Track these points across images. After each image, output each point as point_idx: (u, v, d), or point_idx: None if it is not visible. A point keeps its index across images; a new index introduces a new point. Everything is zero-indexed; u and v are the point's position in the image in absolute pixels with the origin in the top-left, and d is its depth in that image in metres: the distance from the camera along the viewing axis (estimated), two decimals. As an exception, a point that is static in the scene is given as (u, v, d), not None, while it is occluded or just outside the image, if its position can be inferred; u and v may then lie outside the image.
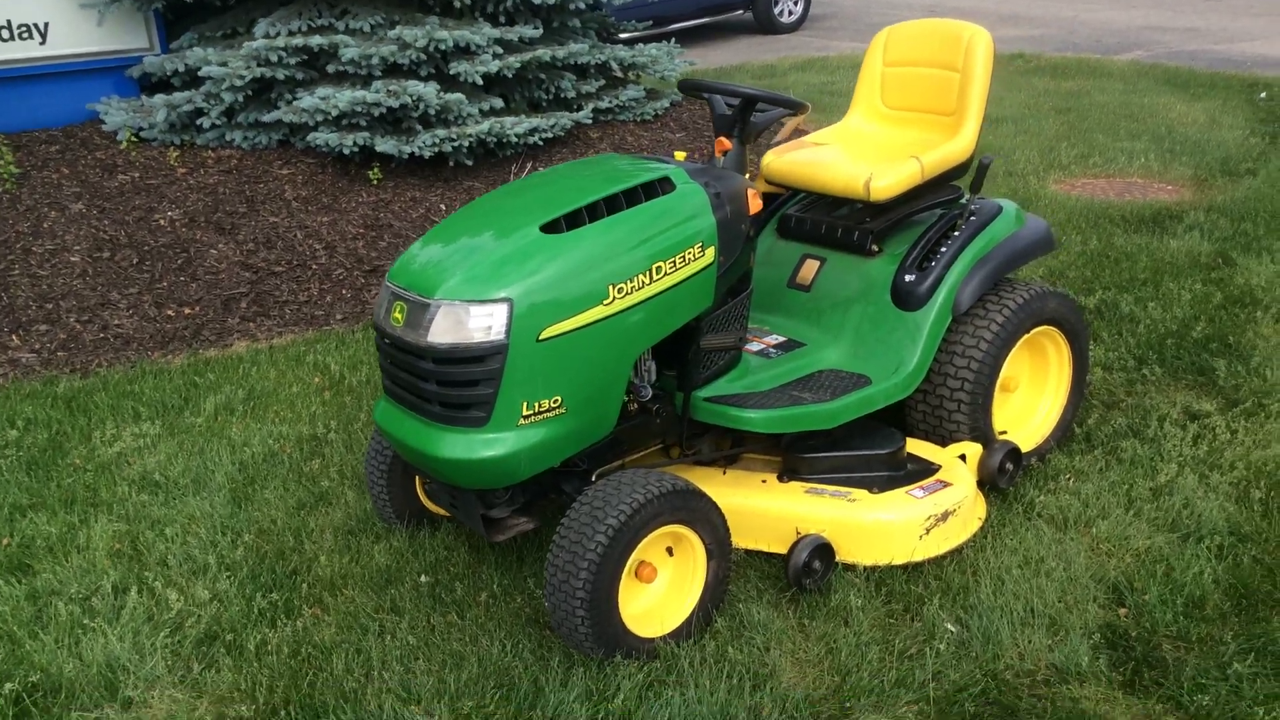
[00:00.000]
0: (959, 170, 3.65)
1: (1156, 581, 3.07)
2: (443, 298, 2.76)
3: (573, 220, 2.91)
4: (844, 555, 3.21)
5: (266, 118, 6.69)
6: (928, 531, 3.20)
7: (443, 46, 6.58)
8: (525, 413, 2.80)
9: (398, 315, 2.84)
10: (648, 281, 2.92)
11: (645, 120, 8.07)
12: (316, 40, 6.55)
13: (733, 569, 3.07)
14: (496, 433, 2.80)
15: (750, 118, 3.38)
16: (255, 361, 4.91)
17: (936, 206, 3.68)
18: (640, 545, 2.80)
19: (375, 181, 6.71)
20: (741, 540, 3.31)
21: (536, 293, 2.76)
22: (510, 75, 6.92)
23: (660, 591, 2.98)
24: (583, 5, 7.37)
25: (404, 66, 6.69)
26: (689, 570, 2.97)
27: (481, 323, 2.74)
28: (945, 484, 3.31)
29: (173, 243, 5.97)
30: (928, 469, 3.41)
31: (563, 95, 7.50)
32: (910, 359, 3.45)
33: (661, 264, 2.94)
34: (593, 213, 2.94)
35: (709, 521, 2.93)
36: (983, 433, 3.54)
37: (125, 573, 3.35)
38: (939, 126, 3.78)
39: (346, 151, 6.50)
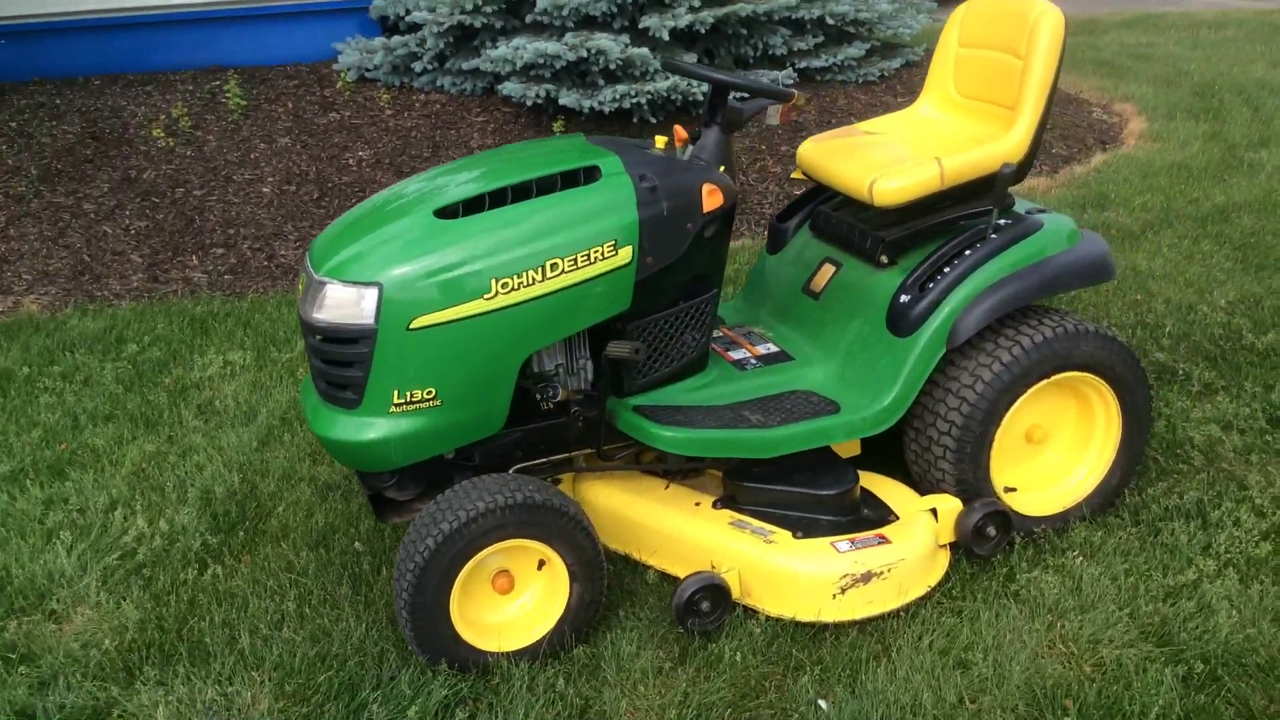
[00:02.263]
0: (997, 179, 3.10)
1: (1097, 706, 2.53)
2: (325, 276, 2.73)
3: (472, 207, 2.77)
4: (751, 600, 2.90)
5: (467, 65, 6.90)
6: (843, 591, 2.81)
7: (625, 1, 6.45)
8: (396, 400, 2.74)
9: (300, 288, 2.86)
10: (539, 278, 2.73)
11: (869, 82, 7.54)
12: (514, -10, 6.63)
13: (604, 596, 2.85)
14: (367, 417, 2.76)
15: (728, 104, 3.05)
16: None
17: (973, 217, 3.16)
18: (481, 554, 2.67)
19: (558, 133, 6.74)
20: (660, 562, 3.09)
21: (409, 280, 2.67)
22: (704, 30, 6.68)
23: (527, 606, 2.83)
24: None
25: (597, 18, 6.64)
26: (555, 589, 2.80)
27: (353, 305, 2.69)
28: (883, 540, 2.89)
29: (354, 181, 6.34)
30: (882, 518, 3.00)
31: (772, 52, 7.15)
32: (888, 392, 3.02)
33: (559, 260, 2.74)
34: (498, 199, 2.79)
35: (571, 541, 2.74)
36: (971, 486, 3.05)
37: (125, 492, 3.64)
38: (1004, 122, 3.23)
39: (530, 103, 6.57)
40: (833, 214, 3.45)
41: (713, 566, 2.92)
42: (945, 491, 3.08)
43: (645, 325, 2.99)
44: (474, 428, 2.84)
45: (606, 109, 6.48)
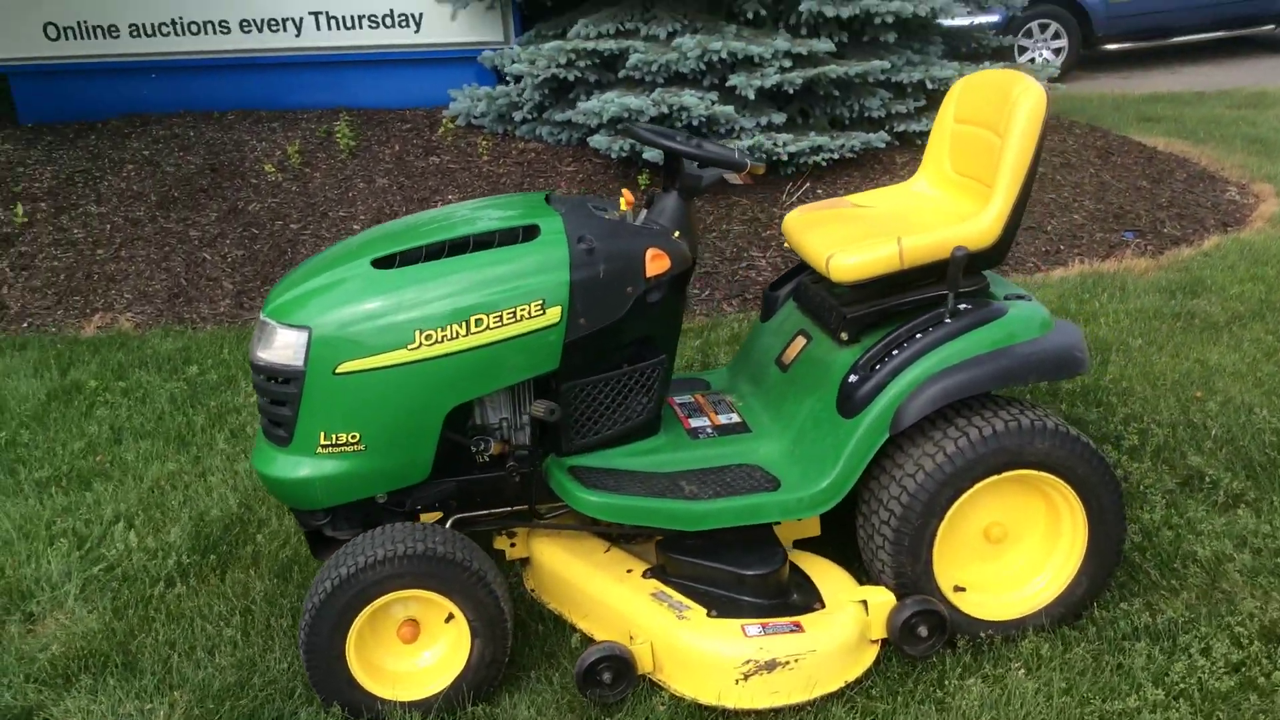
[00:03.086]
0: (950, 263, 2.96)
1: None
2: (266, 316, 2.86)
3: (409, 259, 2.85)
4: (661, 676, 2.84)
5: (561, 116, 7.07)
6: (745, 678, 2.72)
7: (717, 57, 6.49)
8: (323, 442, 2.83)
9: (255, 328, 3.00)
10: (463, 333, 2.78)
11: (973, 150, 7.31)
12: (608, 45, 6.77)
13: (508, 656, 2.84)
14: (296, 455, 2.86)
15: (684, 171, 3.04)
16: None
17: (932, 301, 3.03)
18: (379, 601, 2.72)
19: (643, 187, 6.82)
20: (587, 626, 3.07)
21: (336, 326, 2.76)
22: (793, 90, 6.65)
23: (430, 658, 2.86)
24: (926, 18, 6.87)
25: (686, 75, 6.70)
26: (458, 644, 2.82)
27: (285, 346, 2.80)
28: (796, 629, 2.78)
29: (438, 222, 6.56)
30: (807, 605, 2.89)
31: (869, 114, 7.05)
32: (828, 474, 2.93)
33: (483, 316, 2.78)
34: (434, 254, 2.85)
35: (472, 597, 2.75)
36: (909, 580, 2.91)
37: (134, 507, 3.86)
38: (986, 201, 3.10)
39: (615, 155, 6.68)
40: (812, 286, 3.38)
41: (630, 637, 2.87)
42: (884, 583, 2.94)
43: (584, 386, 2.99)
44: (398, 474, 2.90)
45: (688, 165, 6.50)
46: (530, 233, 2.88)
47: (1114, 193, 7.00)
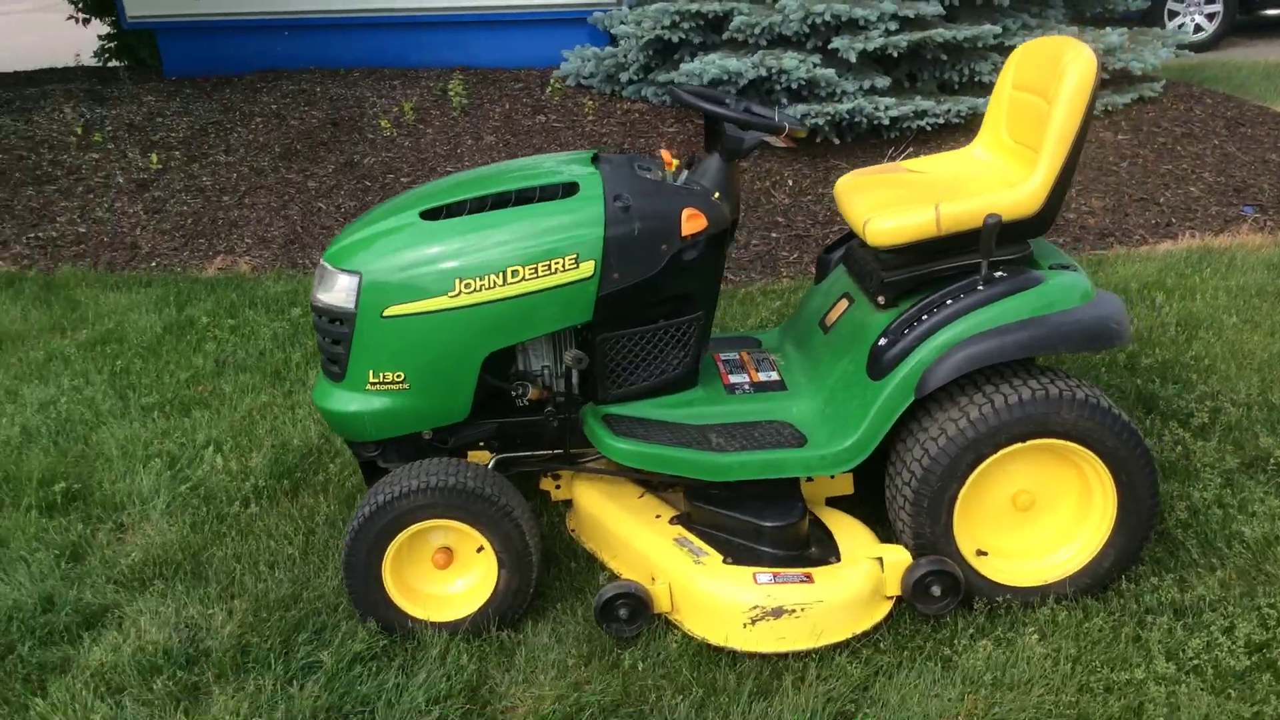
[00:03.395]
0: (1016, 227, 2.96)
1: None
2: (325, 261, 3.07)
3: (455, 211, 3.01)
4: (678, 616, 2.97)
5: (663, 77, 7.15)
6: (753, 622, 2.82)
7: (820, 19, 6.46)
8: (372, 379, 3.03)
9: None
10: (500, 283, 2.92)
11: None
12: (712, 6, 6.81)
13: (534, 587, 3.00)
14: (348, 391, 3.07)
15: (726, 133, 3.11)
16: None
17: (967, 268, 3.03)
18: (414, 528, 2.91)
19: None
20: (616, 566, 3.21)
21: (385, 272, 2.95)
22: (897, 54, 6.57)
23: (461, 584, 3.04)
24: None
25: (790, 38, 6.69)
26: (486, 573, 2.99)
27: (340, 289, 3.01)
28: (806, 579, 2.86)
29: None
30: (823, 559, 2.96)
31: (979, 79, 6.91)
32: (852, 434, 2.98)
33: (519, 268, 2.92)
34: (479, 206, 3.01)
35: (499, 529, 2.92)
36: (928, 541, 2.94)
37: (225, 433, 4.17)
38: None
39: (713, 116, 6.73)
40: (859, 250, 3.41)
41: (652, 578, 3.00)
42: (904, 543, 2.99)
43: (620, 338, 3.10)
44: (439, 413, 3.08)
45: (787, 127, 6.50)
46: (570, 189, 3.00)
47: (1238, 165, 6.69)
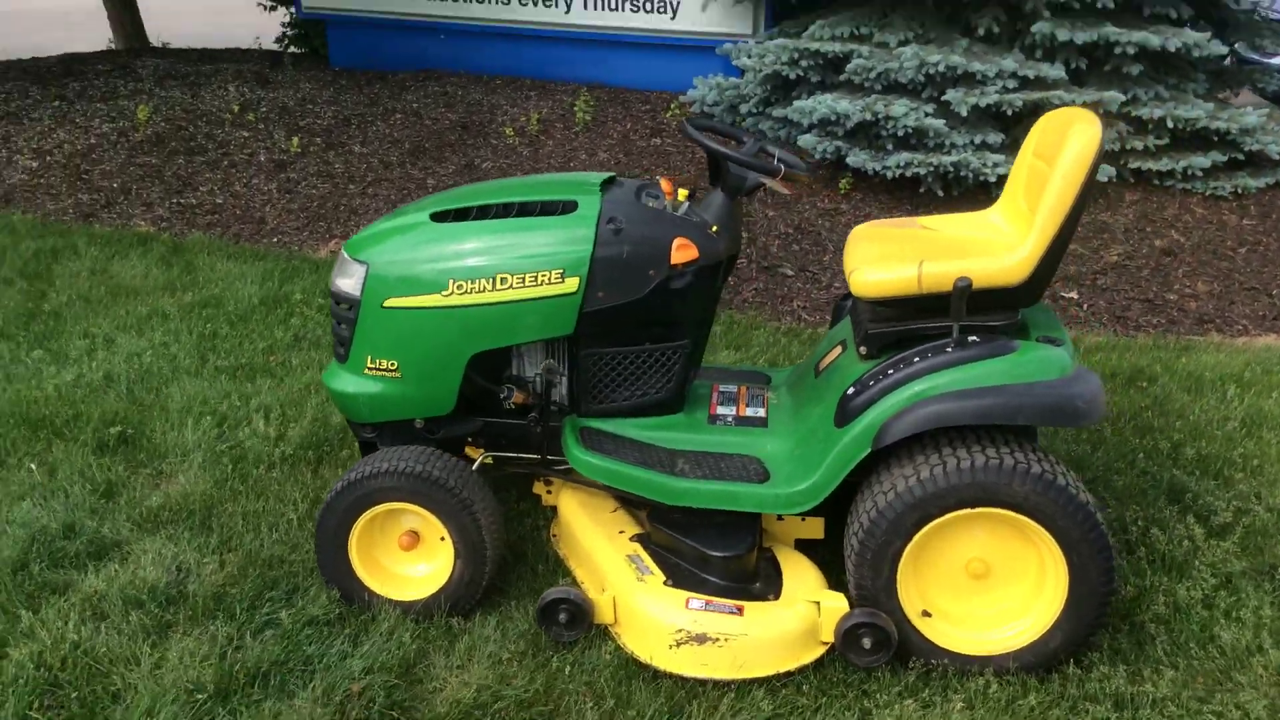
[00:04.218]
0: (1002, 295, 2.96)
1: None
2: (343, 250, 3.31)
3: (461, 215, 3.20)
4: (617, 629, 3.06)
5: (778, 113, 7.23)
6: (678, 645, 2.89)
7: (934, 70, 6.43)
8: (370, 364, 3.25)
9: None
10: (490, 288, 3.10)
11: (1218, 197, 6.80)
12: (831, 47, 6.86)
13: (487, 580, 3.14)
14: (349, 373, 3.30)
15: (729, 171, 3.20)
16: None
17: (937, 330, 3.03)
18: (380, 508, 3.09)
19: (842, 191, 6.87)
20: (577, 573, 3.32)
21: (388, 266, 3.17)
22: (1012, 112, 6.47)
23: (426, 569, 3.21)
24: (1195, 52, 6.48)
25: (905, 85, 6.68)
26: (445, 561, 3.15)
27: (350, 276, 3.24)
28: (736, 611, 2.91)
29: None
30: (763, 595, 3.01)
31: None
32: (810, 477, 3.02)
33: (507, 276, 3.09)
34: (483, 214, 3.19)
35: (456, 520, 3.07)
36: (869, 595, 2.95)
37: (278, 401, 4.47)
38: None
39: (816, 156, 6.78)
40: (859, 300, 3.43)
41: (602, 589, 3.11)
42: (849, 592, 3.00)
43: (603, 356, 3.23)
44: (426, 404, 3.27)
45: (890, 174, 6.51)
46: (569, 208, 3.15)
47: (1374, 264, 6.30)
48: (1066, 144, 2.89)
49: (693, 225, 3.15)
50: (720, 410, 3.42)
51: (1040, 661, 2.95)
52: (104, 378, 4.66)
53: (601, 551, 3.20)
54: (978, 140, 6.53)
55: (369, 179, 7.37)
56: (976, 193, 6.70)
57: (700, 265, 3.14)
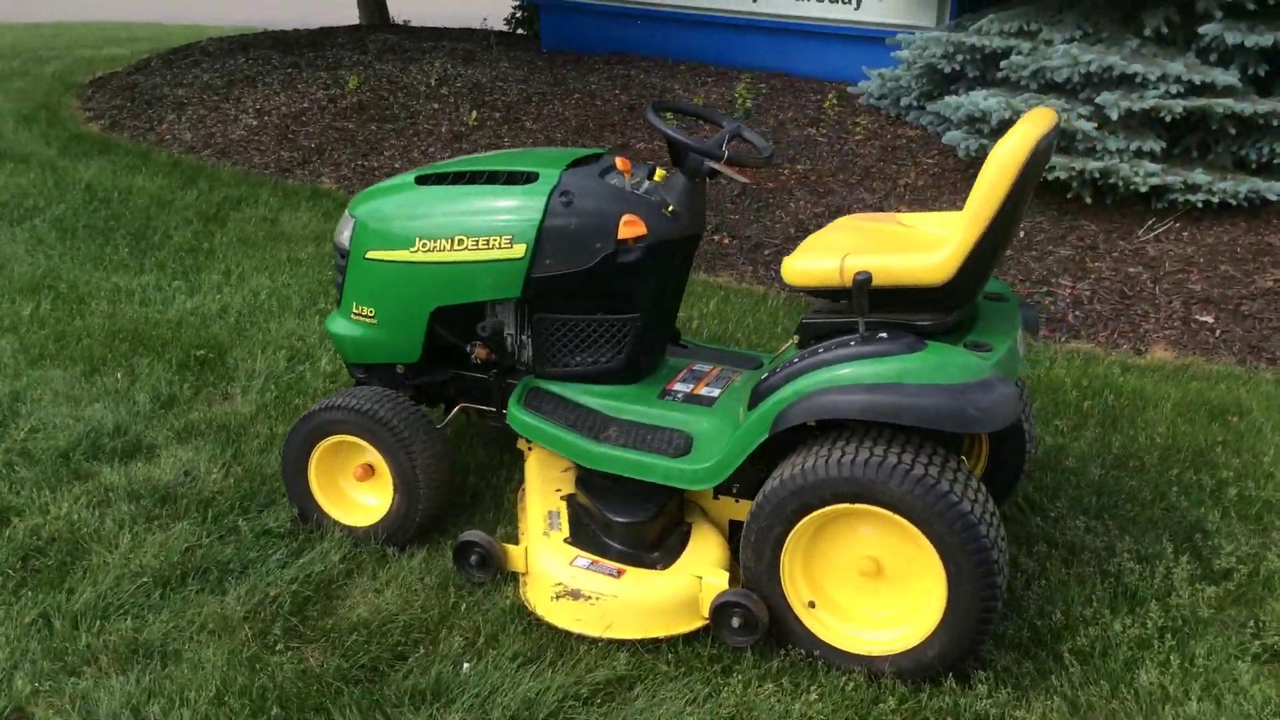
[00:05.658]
0: (928, 293, 2.89)
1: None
2: (348, 208, 3.66)
3: (440, 180, 3.46)
4: (525, 578, 3.23)
5: (933, 107, 7.03)
6: (556, 598, 3.02)
7: (1088, 70, 6.07)
8: (354, 310, 3.57)
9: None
10: (449, 248, 3.33)
11: None
12: (988, 42, 6.60)
13: (420, 518, 3.36)
14: (340, 317, 3.65)
15: (688, 156, 3.29)
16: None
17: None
18: (334, 438, 3.40)
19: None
20: (521, 523, 3.51)
21: (371, 221, 3.47)
22: (1170, 119, 6.01)
23: (374, 500, 3.48)
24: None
25: (1061, 84, 6.34)
26: (386, 495, 3.42)
27: (345, 230, 3.58)
28: (614, 573, 3.01)
29: (778, 189, 6.95)
30: (655, 563, 3.09)
31: (1278, 160, 6.14)
32: (714, 456, 3.07)
33: (464, 238, 3.31)
34: (459, 180, 3.43)
35: (395, 457, 3.32)
36: (751, 577, 2.96)
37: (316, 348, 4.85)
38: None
39: (961, 154, 6.57)
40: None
41: (521, 531, 3.30)
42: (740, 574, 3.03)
43: (553, 321, 3.39)
44: (396, 350, 3.55)
45: (1032, 177, 6.20)
46: (531, 178, 3.33)
47: None
48: (998, 144, 2.78)
49: (646, 203, 3.24)
50: (677, 387, 3.49)
51: (916, 670, 2.87)
52: (220, 309, 5.25)
53: (534, 505, 3.37)
54: (1133, 147, 6.10)
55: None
56: (1133, 203, 6.27)
57: (650, 243, 3.23)
